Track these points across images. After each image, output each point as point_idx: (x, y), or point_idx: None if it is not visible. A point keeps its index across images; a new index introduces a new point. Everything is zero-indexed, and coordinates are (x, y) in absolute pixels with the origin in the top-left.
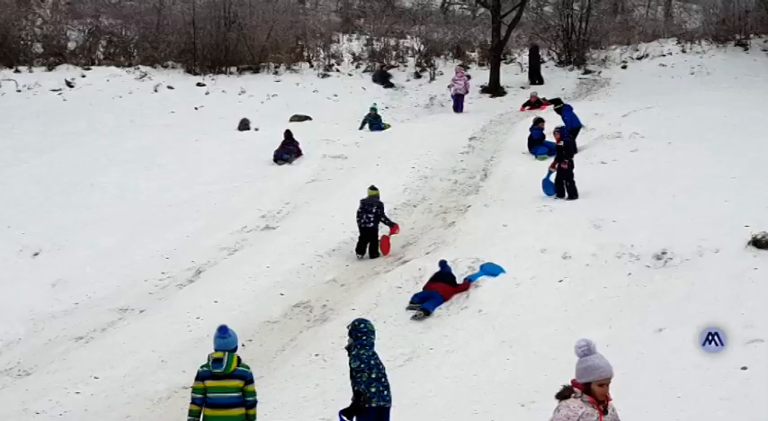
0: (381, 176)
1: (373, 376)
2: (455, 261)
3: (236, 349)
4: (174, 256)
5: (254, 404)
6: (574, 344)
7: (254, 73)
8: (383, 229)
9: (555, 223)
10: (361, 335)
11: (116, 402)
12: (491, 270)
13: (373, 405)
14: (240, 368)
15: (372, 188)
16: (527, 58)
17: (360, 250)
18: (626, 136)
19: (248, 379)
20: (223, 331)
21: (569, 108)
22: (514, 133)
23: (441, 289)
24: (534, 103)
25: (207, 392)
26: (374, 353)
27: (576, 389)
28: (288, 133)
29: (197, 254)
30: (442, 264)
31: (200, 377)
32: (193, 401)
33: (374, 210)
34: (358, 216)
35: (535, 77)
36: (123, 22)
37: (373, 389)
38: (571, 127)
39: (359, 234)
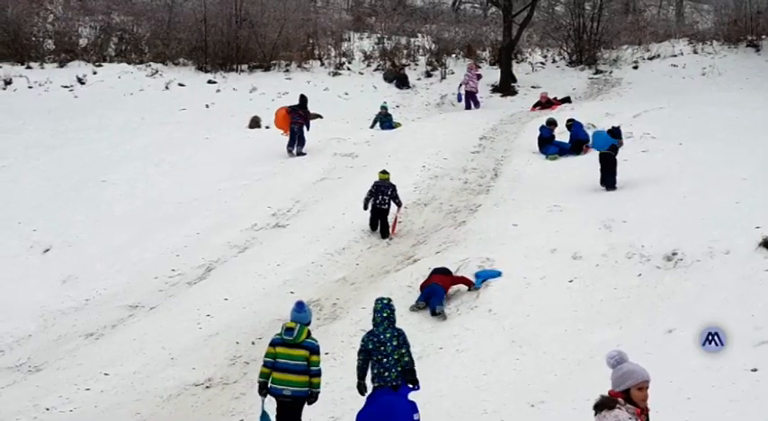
0: (392, 175)
1: (373, 358)
2: (465, 260)
3: (309, 323)
4: (184, 254)
5: (317, 373)
6: (605, 355)
7: (265, 71)
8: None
9: (565, 223)
10: (374, 316)
11: (126, 399)
12: (486, 275)
13: (374, 384)
14: (309, 340)
15: (384, 172)
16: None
17: (374, 226)
18: (637, 136)
19: (314, 350)
20: (300, 306)
21: (579, 125)
22: (525, 133)
23: (440, 280)
24: (545, 104)
25: (276, 357)
26: (375, 334)
27: (618, 398)
28: (302, 98)
29: (207, 251)
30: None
31: (273, 343)
32: (264, 365)
33: (389, 193)
34: (372, 196)
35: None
36: (135, 19)
37: (374, 371)
38: (578, 139)
39: (370, 213)
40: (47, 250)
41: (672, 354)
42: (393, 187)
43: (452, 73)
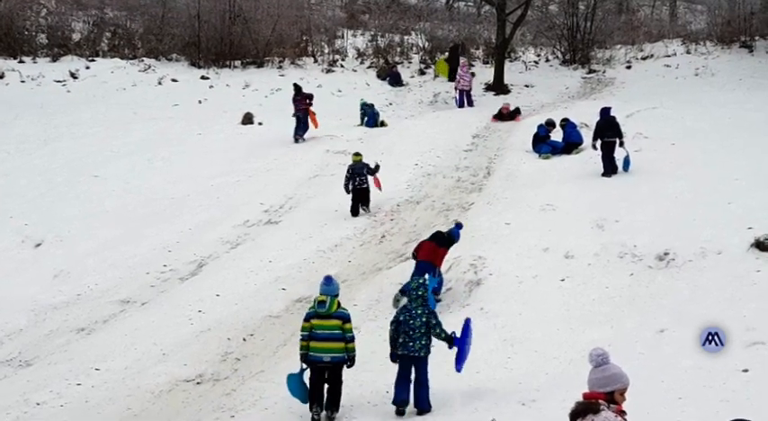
0: (384, 172)
1: (400, 328)
2: (457, 258)
3: (337, 295)
4: (176, 249)
5: (352, 339)
6: (589, 352)
7: (259, 67)
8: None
9: (558, 222)
10: (409, 293)
11: (117, 394)
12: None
13: (399, 352)
14: (340, 310)
15: (356, 154)
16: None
17: (354, 211)
18: (630, 136)
19: (346, 319)
20: (328, 280)
21: (573, 125)
22: (518, 131)
23: (429, 253)
24: (507, 115)
25: (312, 329)
26: (408, 309)
27: (600, 400)
28: (296, 87)
29: (199, 247)
30: (458, 226)
31: (307, 318)
32: (302, 338)
33: (364, 172)
34: (349, 180)
35: (454, 75)
36: (128, 14)
37: (400, 340)
38: (570, 141)
39: (351, 198)
40: (39, 245)
41: (663, 354)
42: (366, 166)
43: None
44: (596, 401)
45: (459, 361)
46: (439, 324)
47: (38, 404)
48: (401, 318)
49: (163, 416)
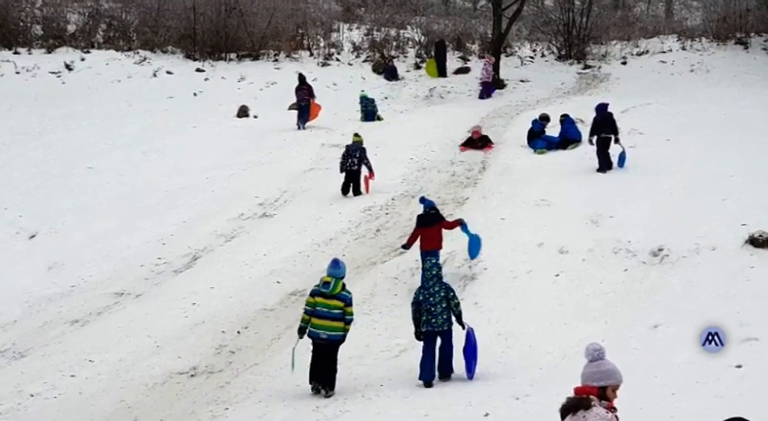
0: (379, 166)
1: (422, 308)
2: (452, 253)
3: (343, 277)
4: (170, 242)
5: (350, 321)
6: (586, 346)
7: (254, 60)
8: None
9: (552, 217)
10: (423, 274)
11: (111, 386)
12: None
13: (423, 329)
14: (343, 292)
15: (356, 135)
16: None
17: (345, 190)
18: (624, 132)
19: (347, 302)
20: (335, 263)
21: (571, 121)
22: (513, 126)
23: (433, 240)
24: (477, 141)
25: (316, 306)
26: (426, 288)
27: (591, 395)
28: (301, 77)
29: (194, 240)
30: (422, 199)
31: (312, 294)
32: (305, 312)
33: (357, 155)
34: (343, 159)
35: (440, 72)
36: (123, 6)
37: (423, 318)
38: (567, 137)
39: (344, 175)
40: (33, 236)
41: (657, 350)
42: (362, 149)
43: None
44: (588, 397)
45: (469, 369)
46: (456, 297)
47: (32, 395)
48: (420, 298)
49: (156, 409)
